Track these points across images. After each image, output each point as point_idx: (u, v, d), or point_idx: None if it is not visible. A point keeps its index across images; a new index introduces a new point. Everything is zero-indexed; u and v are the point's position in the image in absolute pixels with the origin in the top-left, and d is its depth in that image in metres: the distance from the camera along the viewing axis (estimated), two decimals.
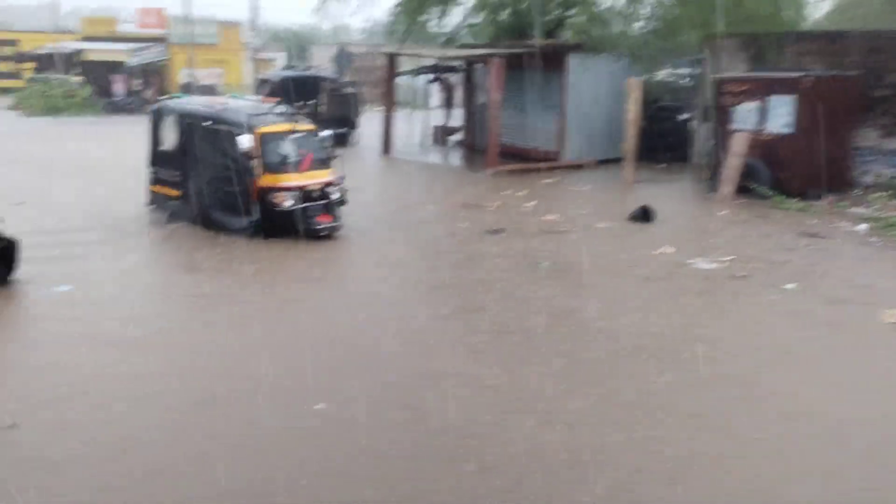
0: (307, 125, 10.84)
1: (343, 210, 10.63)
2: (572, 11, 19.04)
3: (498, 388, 5.74)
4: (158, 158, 11.25)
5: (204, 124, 10.38)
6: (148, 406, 5.36)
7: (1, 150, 18.22)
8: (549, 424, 5.13)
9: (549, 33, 19.37)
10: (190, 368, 6.02)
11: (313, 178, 10.26)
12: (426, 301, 7.88)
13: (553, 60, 17.65)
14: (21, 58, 38.60)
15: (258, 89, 26.08)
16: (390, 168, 18.47)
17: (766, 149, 13.79)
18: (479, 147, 20.41)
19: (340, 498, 4.28)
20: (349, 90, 22.32)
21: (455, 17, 21.23)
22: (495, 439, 4.92)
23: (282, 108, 10.96)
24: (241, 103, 11.25)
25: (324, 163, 10.64)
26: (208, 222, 10.49)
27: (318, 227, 10.17)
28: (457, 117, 22.95)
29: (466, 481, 4.44)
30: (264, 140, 10.05)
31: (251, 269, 8.95)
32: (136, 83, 35.06)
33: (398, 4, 21.03)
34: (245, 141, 9.78)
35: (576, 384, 5.85)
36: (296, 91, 23.62)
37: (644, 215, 11.65)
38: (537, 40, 18.29)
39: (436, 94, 25.22)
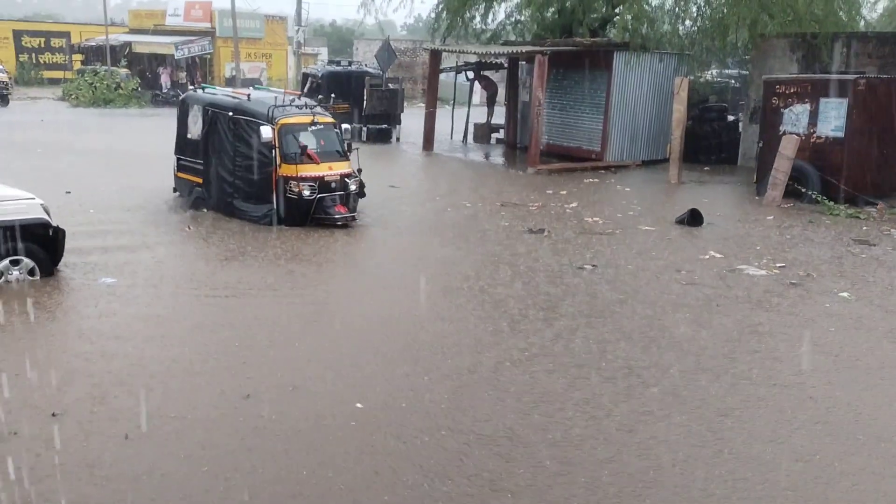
0: (326, 118, 11.07)
1: (381, 205, 10.68)
2: (619, 9, 18.76)
3: (549, 393, 5.61)
4: (184, 147, 11.62)
5: (227, 114, 10.68)
6: (193, 398, 5.37)
7: (48, 141, 18.55)
8: (607, 443, 4.96)
9: (595, 31, 19.14)
10: (235, 361, 6.03)
11: (332, 170, 10.51)
12: (467, 301, 7.76)
13: (598, 59, 17.43)
14: (71, 49, 39.39)
15: (302, 84, 26.26)
16: (431, 165, 18.42)
17: (815, 152, 13.45)
18: (520, 145, 20.28)
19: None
20: (392, 86, 22.29)
21: (499, 14, 21.10)
22: (545, 446, 4.85)
23: (302, 101, 11.23)
24: (263, 95, 11.48)
25: (342, 155, 10.87)
26: (228, 210, 10.83)
27: (335, 216, 10.46)
28: (499, 115, 22.83)
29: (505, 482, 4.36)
30: (285, 131, 10.32)
31: (290, 260, 9.00)
32: (182, 76, 35.57)
33: (442, 1, 20.94)
34: (266, 131, 10.01)
35: (628, 396, 5.64)
36: (339, 86, 23.75)
37: (692, 219, 11.40)
38: (583, 38, 18.08)
39: (478, 92, 25.09)
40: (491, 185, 15.04)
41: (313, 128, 10.67)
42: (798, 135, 13.45)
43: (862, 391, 5.83)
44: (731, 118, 19.39)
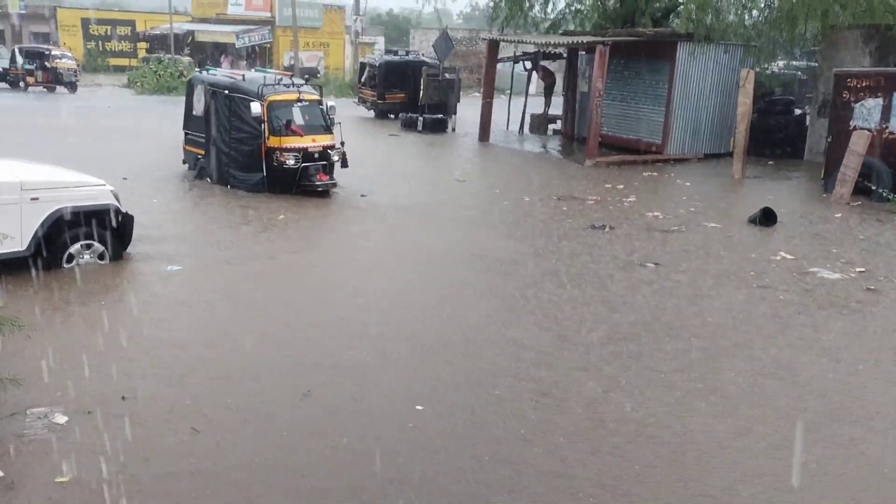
0: (312, 95, 12.23)
1: (436, 196, 10.57)
2: None
3: (618, 408, 5.44)
4: (190, 122, 12.83)
5: (224, 92, 11.86)
6: (257, 391, 5.41)
7: (112, 126, 19.01)
8: (680, 456, 4.78)
9: (658, 21, 18.76)
10: (302, 349, 6.07)
11: (315, 142, 11.70)
12: (529, 300, 7.61)
13: (660, 49, 17.09)
14: (136, 38, 40.32)
15: (359, 73, 26.40)
16: (487, 155, 18.33)
17: (888, 149, 12.95)
18: (578, 137, 20.05)
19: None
20: (449, 76, 22.24)
21: (559, 4, 20.84)
22: (619, 459, 4.74)
23: (290, 80, 12.34)
24: (256, 76, 12.65)
25: (326, 129, 11.99)
26: (225, 179, 11.97)
27: (317, 183, 11.68)
28: (556, 106, 22.59)
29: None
30: (272, 107, 11.46)
31: (361, 251, 9.05)
32: (242, 64, 36.12)
33: None
34: (256, 107, 11.20)
35: (703, 411, 5.36)
36: (395, 76, 23.82)
37: (765, 218, 10.96)
38: (645, 28, 17.73)
39: (535, 82, 24.86)
40: (548, 178, 14.90)
41: (299, 104, 11.78)
42: (869, 130, 12.98)
43: None
44: (797, 112, 18.82)
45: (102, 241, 7.82)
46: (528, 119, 22.24)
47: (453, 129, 21.43)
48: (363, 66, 25.86)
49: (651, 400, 5.42)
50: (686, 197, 13.09)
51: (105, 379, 5.34)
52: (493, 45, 20.07)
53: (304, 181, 11.59)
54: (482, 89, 20.74)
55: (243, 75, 12.66)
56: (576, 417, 5.13)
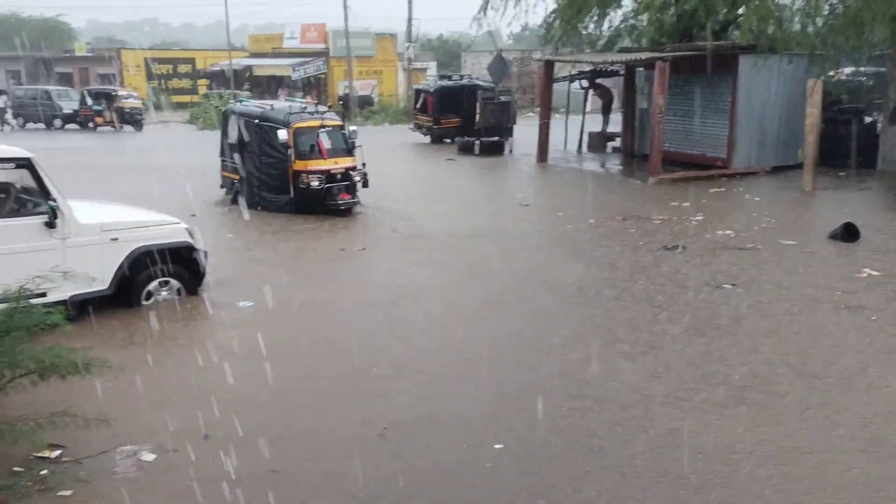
0: (335, 121, 13.19)
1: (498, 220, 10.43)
2: (742, 10, 17.99)
3: (725, 453, 5.22)
4: (225, 149, 13.70)
5: (255, 121, 12.72)
6: (334, 427, 5.39)
7: (179, 163, 19.42)
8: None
9: (717, 34, 18.41)
10: (373, 387, 6.03)
11: (337, 164, 12.48)
12: (610, 329, 7.42)
13: (721, 62, 16.75)
14: (197, 75, 41.56)
15: (414, 99, 26.63)
16: (547, 176, 18.21)
17: None
18: (638, 154, 19.77)
19: None
20: (504, 98, 22.24)
21: (614, 21, 20.65)
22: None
23: (314, 108, 13.40)
24: (283, 105, 13.65)
25: (348, 152, 12.80)
26: (256, 201, 12.72)
27: (340, 202, 12.51)
28: (615, 123, 22.36)
29: None
30: (297, 133, 12.36)
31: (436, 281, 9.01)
32: (298, 95, 36.84)
33: (554, 11, 20.71)
34: (282, 134, 12.05)
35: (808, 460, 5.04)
36: (450, 101, 23.95)
37: (846, 233, 10.46)
38: (705, 41, 17.42)
39: (592, 100, 24.68)
40: (611, 197, 14.68)
41: (322, 130, 12.61)
42: None
43: None
44: (867, 119, 18.20)
45: (179, 278, 7.96)
46: (586, 138, 22.05)
47: (510, 151, 21.38)
48: (417, 92, 26.08)
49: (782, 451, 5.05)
50: (757, 213, 12.71)
51: (188, 417, 5.37)
52: (548, 66, 20.00)
53: (328, 201, 12.41)
54: (538, 110, 20.68)
55: (272, 105, 13.70)
56: (686, 464, 4.82)
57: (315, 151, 12.43)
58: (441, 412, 5.55)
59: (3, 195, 7.25)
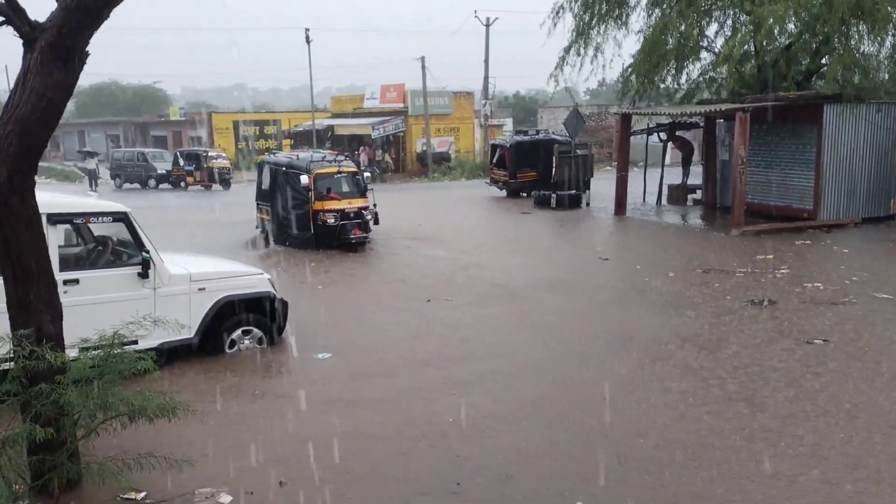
0: (350, 167, 15.31)
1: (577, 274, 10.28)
2: (826, 59, 17.62)
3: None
4: (260, 195, 15.98)
5: (283, 169, 14.87)
6: (407, 481, 5.37)
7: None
8: None
9: (800, 84, 18.07)
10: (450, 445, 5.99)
11: (350, 204, 14.42)
12: (696, 389, 7.22)
13: (805, 112, 16.39)
14: (282, 135, 43.22)
15: (490, 154, 26.94)
16: (625, 229, 17.98)
17: None
18: (720, 206, 19.37)
19: None
20: (581, 152, 22.25)
21: (692, 73, 20.50)
22: None
23: (332, 157, 15.57)
24: (306, 155, 15.89)
25: (361, 194, 14.78)
26: (283, 238, 14.84)
27: (352, 237, 14.32)
28: (695, 175, 22.02)
29: None
30: (317, 178, 14.33)
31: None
32: (378, 153, 37.81)
33: (631, 65, 20.74)
34: (304, 179, 14.10)
35: None
36: (526, 155, 24.11)
37: None
38: (787, 92, 17.11)
39: (670, 152, 24.42)
40: (692, 250, 14.36)
41: (339, 175, 14.65)
42: None
43: None
44: None
45: (261, 327, 8.18)
46: (665, 190, 21.76)
47: (587, 205, 21.27)
48: (494, 147, 26.38)
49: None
50: (846, 266, 12.20)
51: (265, 463, 5.47)
52: (626, 119, 19.96)
53: (342, 235, 14.23)
54: (615, 163, 20.57)
55: (297, 155, 16.23)
56: None
57: (330, 193, 14.30)
58: (516, 467, 5.42)
59: (101, 247, 7.67)
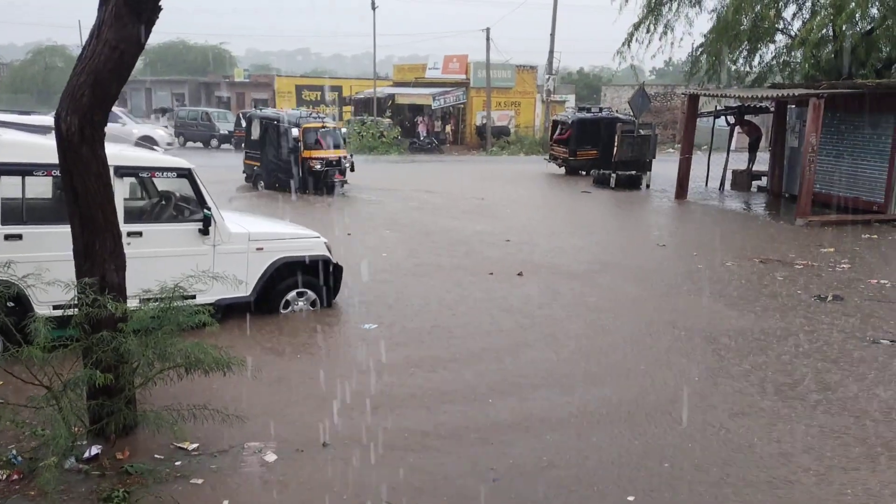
0: (331, 124, 18.93)
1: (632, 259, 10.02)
2: None
3: None
4: (249, 144, 19.08)
5: (274, 122, 17.88)
6: (447, 462, 5.38)
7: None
8: None
9: (879, 72, 17.34)
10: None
11: (332, 153, 17.65)
12: (759, 386, 7.02)
13: (883, 102, 15.72)
14: (343, 102, 43.42)
15: (551, 130, 26.61)
16: (685, 214, 17.60)
17: None
18: (786, 194, 18.82)
19: None
20: (644, 132, 21.80)
21: (765, 56, 19.88)
22: None
23: (316, 114, 19.16)
24: (294, 111, 19.31)
25: (340, 146, 18.20)
26: (273, 181, 17.82)
27: (335, 180, 17.55)
28: (761, 162, 21.40)
29: None
30: (305, 132, 17.43)
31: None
32: (438, 124, 37.71)
33: (702, 45, 20.20)
34: (295, 131, 17.23)
35: None
36: (588, 132, 23.75)
37: None
38: (865, 79, 16.43)
39: (737, 137, 23.77)
40: (753, 238, 13.96)
41: (323, 129, 17.89)
42: None
43: None
44: None
45: (315, 290, 8.27)
46: (729, 175, 21.21)
47: (648, 186, 20.88)
48: (555, 123, 26.03)
49: None
50: None
51: (312, 423, 5.53)
52: (693, 100, 19.45)
53: (326, 179, 17.39)
54: (678, 145, 20.12)
55: (285, 111, 19.51)
56: None
57: (317, 144, 17.36)
58: (562, 461, 5.22)
59: (164, 202, 7.83)
